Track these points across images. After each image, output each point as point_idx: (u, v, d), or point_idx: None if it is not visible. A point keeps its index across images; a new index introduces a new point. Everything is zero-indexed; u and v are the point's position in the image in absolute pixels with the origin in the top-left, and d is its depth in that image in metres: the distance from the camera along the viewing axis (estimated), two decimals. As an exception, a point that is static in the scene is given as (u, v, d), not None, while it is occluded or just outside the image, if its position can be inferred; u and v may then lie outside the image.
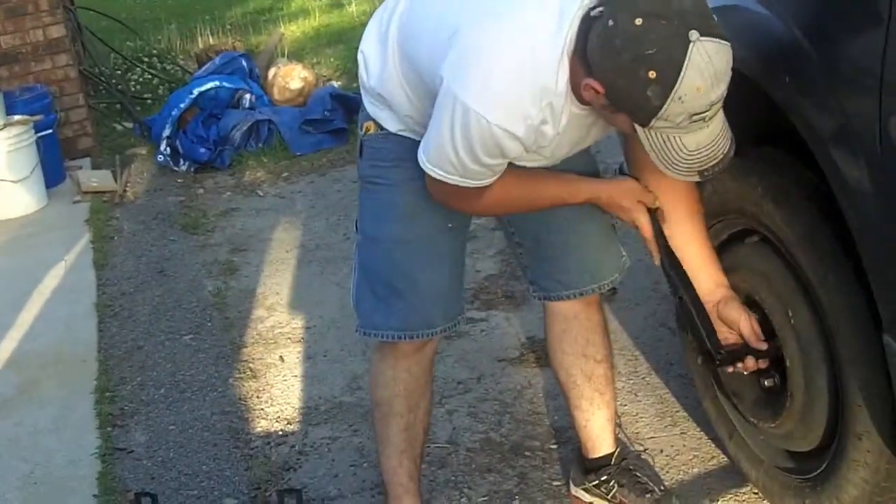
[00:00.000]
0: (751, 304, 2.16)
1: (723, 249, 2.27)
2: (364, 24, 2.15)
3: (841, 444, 2.03)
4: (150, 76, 7.42)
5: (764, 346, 2.09)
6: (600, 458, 2.46)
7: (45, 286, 4.15)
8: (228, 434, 3.02)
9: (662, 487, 2.43)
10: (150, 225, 4.85)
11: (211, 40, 8.17)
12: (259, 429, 3.03)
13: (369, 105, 2.13)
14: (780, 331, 2.11)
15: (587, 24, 1.76)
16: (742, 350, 2.10)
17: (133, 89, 7.14)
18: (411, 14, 2.00)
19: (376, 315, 2.23)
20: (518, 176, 1.99)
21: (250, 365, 3.41)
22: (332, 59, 7.58)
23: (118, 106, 6.77)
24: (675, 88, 1.66)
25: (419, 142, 1.99)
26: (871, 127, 1.66)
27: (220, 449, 2.95)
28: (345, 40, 7.90)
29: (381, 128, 2.12)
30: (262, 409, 3.13)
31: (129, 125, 6.44)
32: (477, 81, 1.80)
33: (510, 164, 1.93)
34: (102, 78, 6.95)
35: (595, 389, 2.41)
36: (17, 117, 5.08)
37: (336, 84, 6.60)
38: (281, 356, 3.44)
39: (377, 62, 2.07)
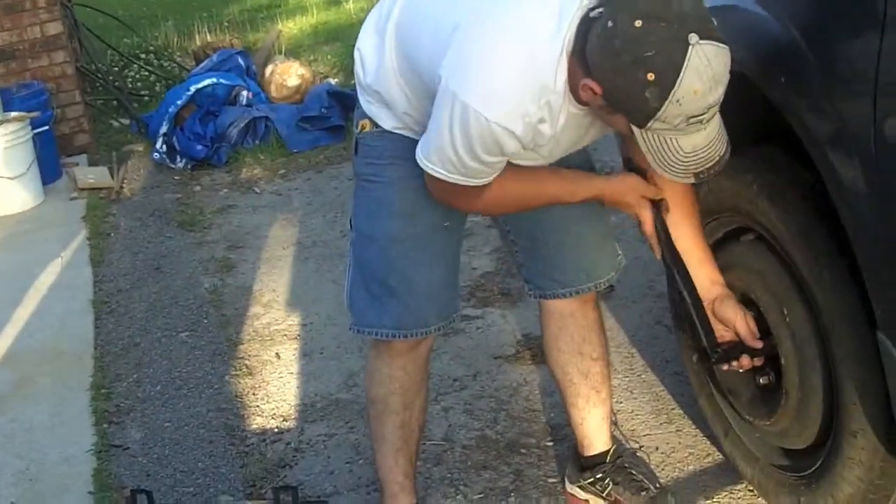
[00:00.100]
0: (746, 301, 2.16)
1: (718, 247, 2.28)
2: (362, 22, 2.14)
3: (836, 441, 2.03)
4: (147, 73, 7.42)
5: (759, 345, 2.10)
6: (596, 455, 2.46)
7: (42, 283, 4.15)
8: (224, 431, 3.02)
9: (658, 485, 2.44)
10: (147, 222, 4.85)
11: (208, 37, 8.18)
12: (255, 426, 3.03)
13: (365, 103, 2.13)
14: (775, 329, 2.12)
15: (586, 24, 1.76)
16: (737, 348, 2.10)
17: (130, 86, 7.14)
18: (409, 12, 2.00)
19: (370, 313, 2.23)
20: (519, 173, 1.99)
21: (246, 362, 3.41)
22: (329, 57, 7.58)
23: (115, 103, 6.77)
24: (674, 91, 1.66)
25: (415, 140, 1.99)
26: (865, 128, 1.67)
27: (216, 446, 2.95)
28: (342, 38, 7.90)
29: (377, 125, 2.12)
30: (258, 406, 3.13)
31: (126, 122, 6.45)
32: (476, 80, 1.81)
33: (510, 162, 1.94)
34: (99, 75, 6.95)
35: (591, 387, 2.41)
36: (13, 114, 5.08)
37: (333, 81, 6.60)
38: (277, 353, 3.44)
39: (374, 60, 2.07)
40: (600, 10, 1.74)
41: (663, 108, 1.68)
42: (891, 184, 1.67)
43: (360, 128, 2.16)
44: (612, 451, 2.46)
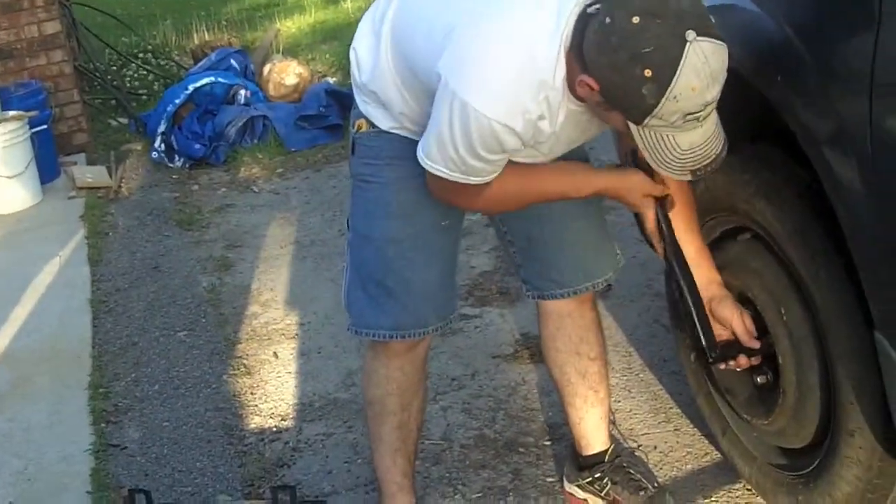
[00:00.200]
0: (743, 300, 2.16)
1: (715, 246, 2.27)
2: (359, 21, 2.14)
3: (833, 440, 2.03)
4: (145, 72, 7.42)
5: (757, 344, 2.10)
6: (594, 455, 2.46)
7: (40, 282, 4.14)
8: (222, 430, 3.02)
9: (656, 484, 2.44)
10: (145, 221, 4.85)
11: (206, 36, 8.17)
12: (253, 425, 3.03)
13: (361, 103, 2.13)
14: (772, 328, 2.12)
15: (584, 20, 1.75)
16: (735, 347, 2.10)
17: (128, 85, 7.14)
18: (403, 13, 1.99)
19: (367, 314, 2.23)
20: (521, 171, 1.98)
21: (244, 361, 3.41)
22: (327, 56, 7.58)
23: (113, 102, 6.77)
24: (671, 87, 1.66)
25: (412, 140, 1.99)
26: (862, 126, 1.67)
27: (214, 445, 2.95)
28: (340, 36, 7.90)
29: (374, 125, 2.12)
30: (256, 406, 3.13)
31: (124, 121, 6.44)
32: (475, 78, 1.80)
33: (511, 160, 1.93)
34: (97, 74, 6.95)
35: (589, 387, 2.41)
36: (11, 113, 5.08)
37: (331, 80, 6.59)
38: (275, 352, 3.44)
39: (370, 60, 2.06)
40: (598, 6, 1.73)
41: (660, 104, 1.68)
42: (887, 182, 1.67)
43: (356, 128, 2.16)
44: (610, 450, 2.46)
